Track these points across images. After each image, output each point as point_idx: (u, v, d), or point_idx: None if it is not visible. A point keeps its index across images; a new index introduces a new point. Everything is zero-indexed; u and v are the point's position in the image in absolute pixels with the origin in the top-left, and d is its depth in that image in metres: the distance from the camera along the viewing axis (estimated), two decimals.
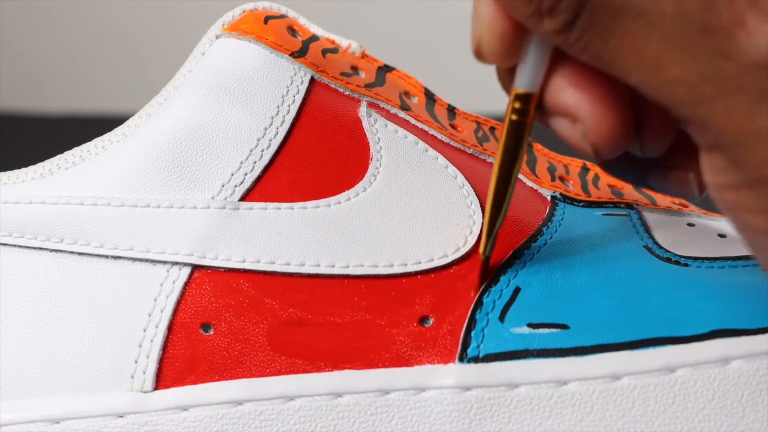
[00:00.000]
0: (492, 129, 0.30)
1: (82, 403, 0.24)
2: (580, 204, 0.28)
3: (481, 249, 0.24)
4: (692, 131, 0.20)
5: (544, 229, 0.26)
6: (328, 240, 0.25)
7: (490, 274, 0.25)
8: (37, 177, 0.26)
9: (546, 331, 0.24)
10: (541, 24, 0.20)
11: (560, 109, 0.21)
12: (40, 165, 0.27)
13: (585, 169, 0.30)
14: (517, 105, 0.22)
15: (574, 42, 0.20)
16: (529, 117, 0.22)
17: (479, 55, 0.21)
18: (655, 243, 0.26)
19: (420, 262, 0.25)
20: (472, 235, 0.25)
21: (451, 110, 0.30)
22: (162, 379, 0.24)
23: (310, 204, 0.25)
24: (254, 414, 0.24)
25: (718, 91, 0.19)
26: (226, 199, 0.25)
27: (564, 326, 0.24)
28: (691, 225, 0.28)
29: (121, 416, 0.24)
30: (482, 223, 0.25)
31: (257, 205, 0.25)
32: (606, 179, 0.30)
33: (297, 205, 0.25)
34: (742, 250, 0.26)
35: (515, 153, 0.23)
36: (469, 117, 0.30)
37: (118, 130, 0.27)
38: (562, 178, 0.29)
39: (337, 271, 0.24)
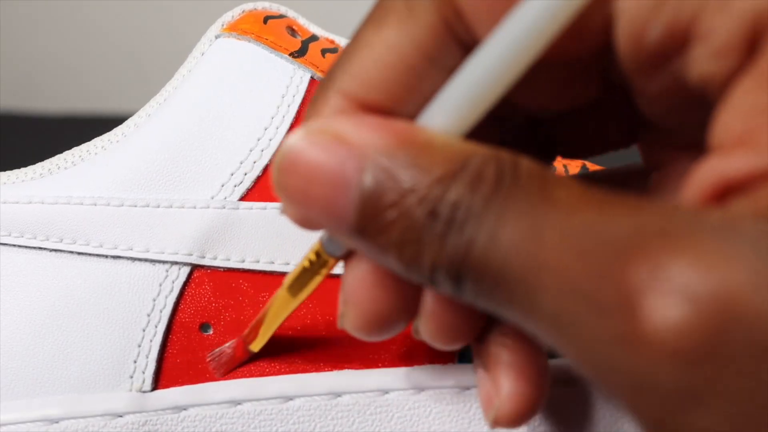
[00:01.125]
0: None
1: (81, 402, 0.24)
2: None
3: (254, 346, 0.24)
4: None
5: None
6: None
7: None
8: (37, 177, 0.26)
9: None
10: (433, 288, 0.17)
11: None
12: (39, 165, 0.27)
13: (584, 168, 0.30)
14: (313, 257, 0.21)
15: (471, 302, 0.17)
16: (322, 273, 0.21)
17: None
18: None
19: None
20: None
21: None
22: (161, 379, 0.24)
23: None
24: (253, 414, 0.24)
25: (630, 388, 0.14)
26: (225, 198, 0.25)
27: None
28: None
29: (121, 416, 0.24)
30: (258, 321, 0.23)
31: (256, 204, 0.25)
32: None
33: None
34: None
35: (296, 292, 0.22)
36: None
37: (117, 130, 0.27)
38: None
39: (336, 271, 0.24)
